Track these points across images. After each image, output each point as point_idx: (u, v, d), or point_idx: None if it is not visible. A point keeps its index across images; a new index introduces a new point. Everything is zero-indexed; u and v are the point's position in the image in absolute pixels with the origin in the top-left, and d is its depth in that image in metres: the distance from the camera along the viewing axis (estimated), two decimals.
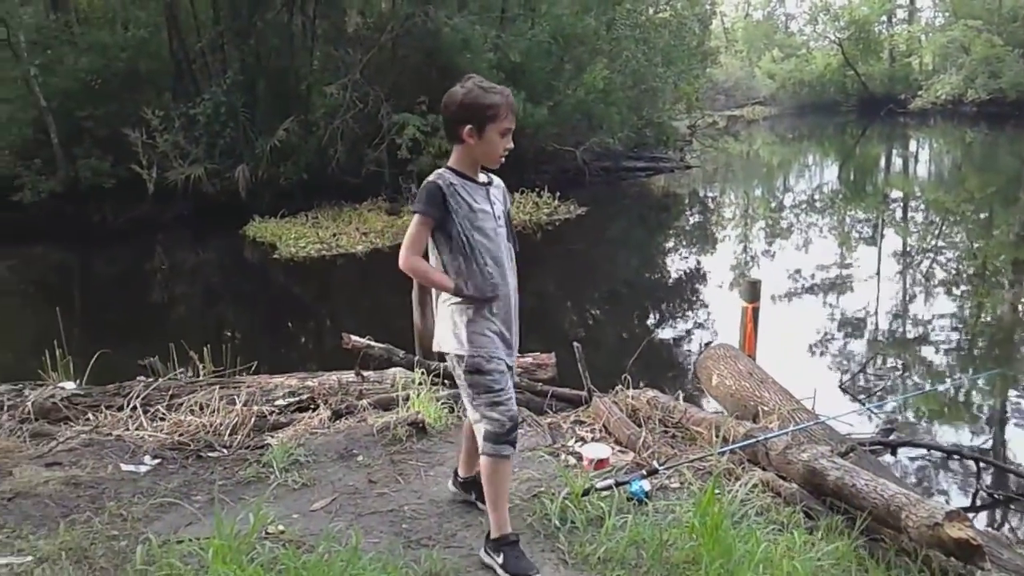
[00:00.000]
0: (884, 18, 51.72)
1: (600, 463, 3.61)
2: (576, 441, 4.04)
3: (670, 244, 16.21)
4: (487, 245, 2.75)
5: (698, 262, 14.18)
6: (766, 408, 4.49)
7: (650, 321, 10.31)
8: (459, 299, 2.76)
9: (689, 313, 10.63)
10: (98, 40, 16.59)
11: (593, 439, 4.06)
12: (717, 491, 3.07)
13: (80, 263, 14.41)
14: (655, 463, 3.46)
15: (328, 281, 12.27)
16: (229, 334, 9.67)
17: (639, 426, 4.12)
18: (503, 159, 2.79)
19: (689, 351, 8.63)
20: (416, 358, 5.10)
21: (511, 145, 2.77)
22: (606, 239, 15.34)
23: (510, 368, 2.83)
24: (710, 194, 22.97)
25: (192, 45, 17.42)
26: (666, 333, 9.64)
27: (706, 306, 10.79)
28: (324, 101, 16.69)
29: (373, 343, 5.12)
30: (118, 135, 15.41)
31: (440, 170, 2.79)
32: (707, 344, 7.83)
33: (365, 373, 4.96)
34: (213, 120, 15.96)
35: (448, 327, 2.78)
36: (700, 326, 9.74)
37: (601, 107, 19.37)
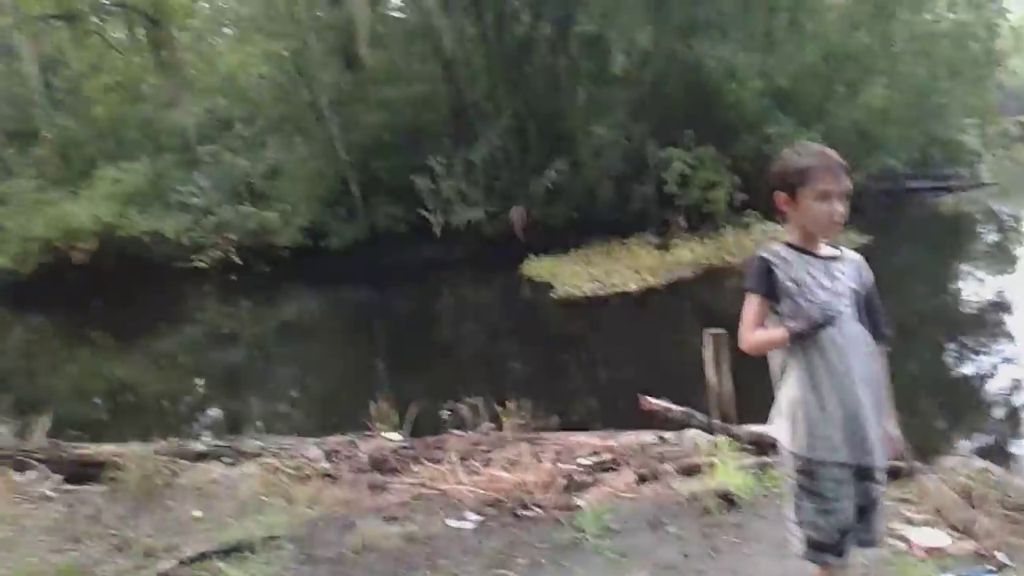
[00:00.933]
0: None
1: (934, 551, 3.41)
2: (903, 523, 3.82)
3: (964, 270, 14.91)
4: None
5: (1000, 290, 12.87)
6: None
7: (948, 359, 9.50)
8: (799, 390, 2.48)
9: (997, 351, 9.62)
10: (386, 97, 18.19)
11: (923, 521, 3.83)
12: None
13: (379, 302, 15.84)
14: (1002, 556, 3.21)
15: (606, 321, 12.47)
16: (517, 375, 10.20)
17: (972, 506, 3.84)
18: (836, 227, 2.48)
19: (1007, 399, 7.81)
20: (715, 422, 5.11)
21: (841, 209, 2.47)
22: (892, 268, 14.34)
23: (864, 470, 2.48)
24: (1007, 212, 20.81)
25: (468, 95, 18.58)
26: (971, 374, 8.80)
27: (1017, 352, 9.70)
28: (591, 140, 17.14)
29: (672, 406, 5.20)
30: (408, 183, 16.79)
31: (774, 243, 2.60)
32: None
33: (664, 435, 5.06)
34: (489, 165, 16.96)
35: (785, 413, 2.53)
36: (1014, 367, 8.78)
37: (879, 127, 18.24)
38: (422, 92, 18.79)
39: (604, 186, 16.78)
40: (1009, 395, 7.81)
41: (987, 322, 11.01)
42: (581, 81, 18.55)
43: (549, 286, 13.72)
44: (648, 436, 5.04)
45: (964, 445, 6.52)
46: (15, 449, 5.68)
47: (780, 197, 2.53)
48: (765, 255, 2.54)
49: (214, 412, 10.18)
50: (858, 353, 2.48)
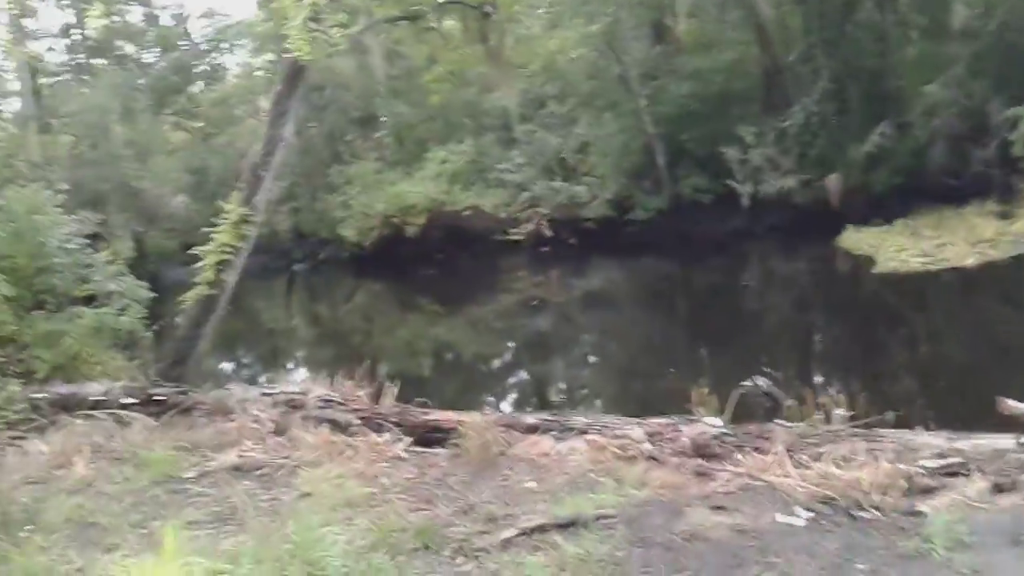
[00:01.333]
0: None
1: None
2: None
3: None
4: None
5: None
6: None
7: None
8: None
9: None
10: (695, 67, 17.89)
11: None
12: None
13: (680, 273, 15.76)
14: None
15: (937, 300, 11.46)
16: (834, 358, 9.71)
17: None
18: None
19: None
20: None
21: None
22: None
23: None
24: None
25: (781, 59, 17.73)
26: None
27: None
28: (922, 100, 15.62)
29: None
30: (714, 153, 16.46)
31: None
32: None
33: None
34: (803, 131, 16.10)
35: None
36: None
37: None
38: (733, 59, 18.29)
39: (936, 149, 15.24)
40: None
41: None
42: (911, 37, 16.97)
43: (870, 260, 12.81)
44: (1006, 441, 4.56)
45: None
46: (372, 411, 6.38)
47: None
48: None
49: (522, 376, 10.82)
50: None
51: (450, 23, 18.30)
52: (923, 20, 17.14)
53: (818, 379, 8.34)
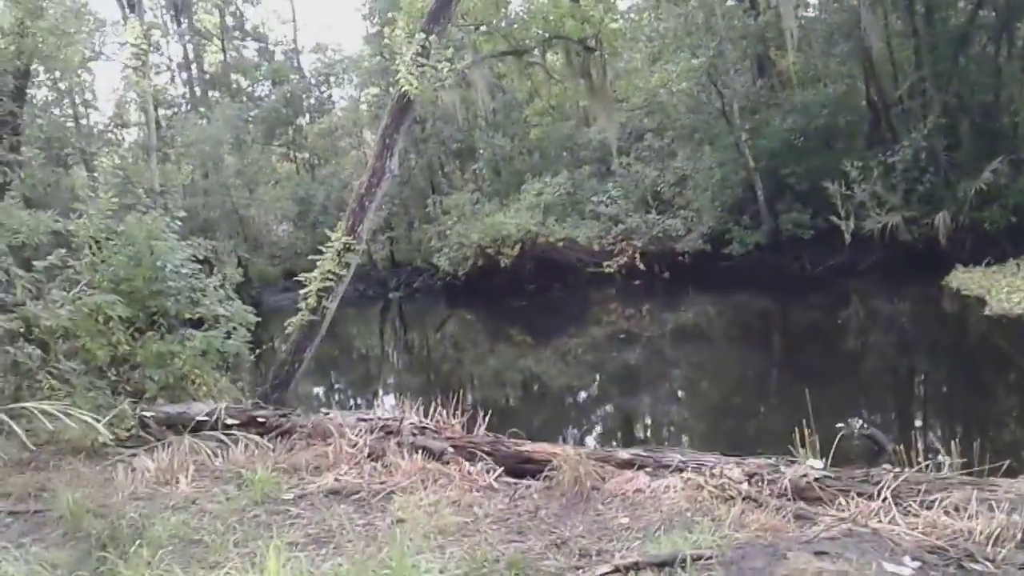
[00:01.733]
0: None
1: None
2: None
3: None
4: None
5: None
6: None
7: None
8: None
9: None
10: (800, 100, 17.61)
11: None
12: None
13: (779, 309, 15.39)
14: None
15: None
16: (940, 402, 9.34)
17: None
18: None
19: None
20: None
21: None
22: None
23: None
24: None
25: (890, 93, 17.30)
26: None
27: None
28: None
29: None
30: (817, 188, 16.11)
31: None
32: None
33: None
34: (912, 166, 15.62)
35: None
36: None
37: None
38: (839, 93, 17.95)
39: None
40: None
41: None
42: None
43: (980, 300, 12.24)
44: None
45: None
46: (465, 440, 6.43)
47: None
48: None
49: (610, 410, 10.70)
50: None
51: (553, 58, 18.65)
52: None
53: (923, 424, 8.03)
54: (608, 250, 17.27)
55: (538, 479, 5.66)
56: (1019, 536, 4.12)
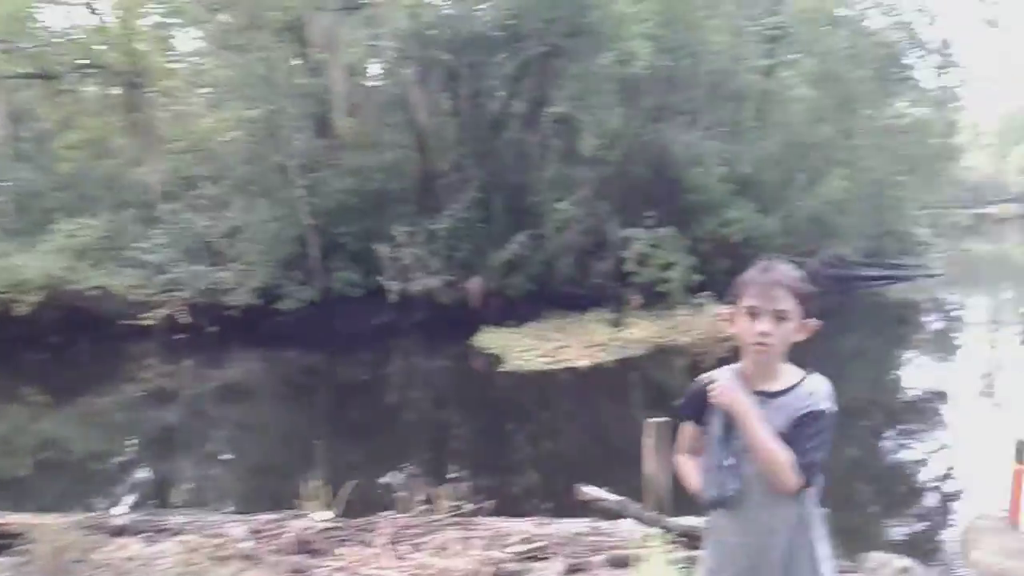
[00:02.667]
0: None
1: None
2: None
3: (908, 357, 15.22)
4: (715, 467, 2.30)
5: (940, 378, 13.06)
6: None
7: (886, 446, 9.54)
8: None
9: (932, 439, 9.72)
10: (357, 164, 18.26)
11: None
12: None
13: (327, 366, 15.55)
14: None
15: (552, 397, 12.41)
16: (459, 449, 10.06)
17: None
18: (759, 348, 2.21)
19: (938, 487, 7.87)
20: (649, 513, 4.99)
21: (763, 328, 2.19)
22: (839, 352, 14.49)
23: None
24: (954, 301, 21.30)
25: (437, 165, 18.69)
26: (906, 461, 8.92)
27: (941, 435, 9.83)
28: (554, 216, 17.27)
29: (607, 496, 5.09)
30: (368, 249, 16.72)
31: (726, 368, 2.36)
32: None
33: (598, 524, 4.93)
34: (452, 235, 16.98)
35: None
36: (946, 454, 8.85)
37: (835, 216, 18.69)
38: (392, 160, 18.91)
39: (564, 261, 16.89)
40: (940, 483, 7.98)
41: (924, 410, 11.21)
42: (550, 158, 18.82)
43: (499, 358, 13.63)
44: (581, 525, 4.91)
45: (896, 532, 6.70)
46: None
47: (722, 312, 2.36)
48: (702, 380, 2.36)
49: (140, 476, 9.84)
50: (766, 511, 2.23)
51: (94, 89, 17.01)
52: (560, 144, 19.13)
53: (438, 468, 8.54)
54: (149, 301, 15.97)
55: (13, 555, 4.96)
56: (492, 570, 4.48)
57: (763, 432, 2.13)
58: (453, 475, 8.69)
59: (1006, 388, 11.82)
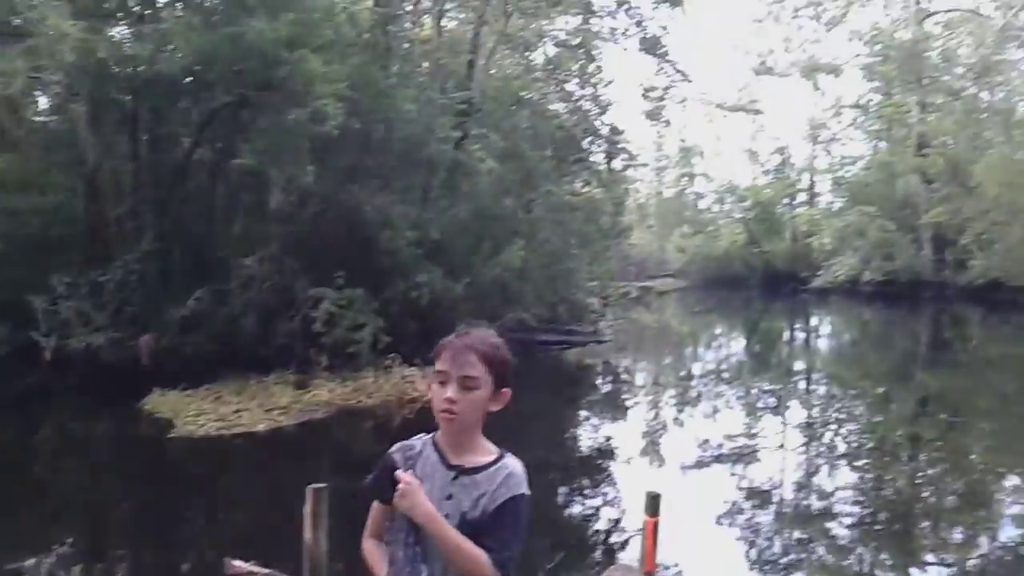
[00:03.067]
0: (786, 200, 55.38)
1: None
2: None
3: (582, 416, 16.44)
4: (401, 553, 2.17)
5: (609, 437, 14.32)
6: None
7: (559, 500, 10.14)
8: None
9: (601, 493, 10.53)
10: (13, 205, 16.35)
11: None
12: None
13: None
14: None
15: (226, 464, 11.66)
16: (117, 522, 9.22)
17: None
18: (444, 417, 2.13)
19: (605, 539, 8.50)
20: None
21: (449, 394, 2.10)
22: (518, 413, 15.24)
23: None
24: (622, 365, 23.51)
25: (110, 211, 17.24)
26: (576, 514, 9.58)
27: (607, 490, 10.73)
28: (240, 272, 16.58)
29: (257, 569, 4.82)
30: (22, 301, 14.91)
31: (423, 436, 2.27)
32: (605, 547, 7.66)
33: None
34: (123, 287, 15.65)
35: None
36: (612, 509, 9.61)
37: (517, 283, 19.83)
38: (56, 204, 17.17)
39: (249, 319, 16.17)
40: (607, 535, 8.67)
41: (595, 466, 12.10)
42: (238, 211, 18.13)
43: (170, 423, 12.67)
44: None
45: None
46: None
47: (428, 383, 2.23)
48: (394, 451, 2.23)
49: None
50: None
51: None
52: (249, 199, 18.53)
53: (94, 543, 7.72)
54: None
55: None
56: None
57: (452, 538, 2.02)
58: (110, 553, 7.95)
59: (661, 445, 13.21)
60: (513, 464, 2.16)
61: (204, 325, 15.82)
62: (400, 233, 16.98)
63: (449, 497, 2.09)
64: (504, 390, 2.18)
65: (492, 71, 24.55)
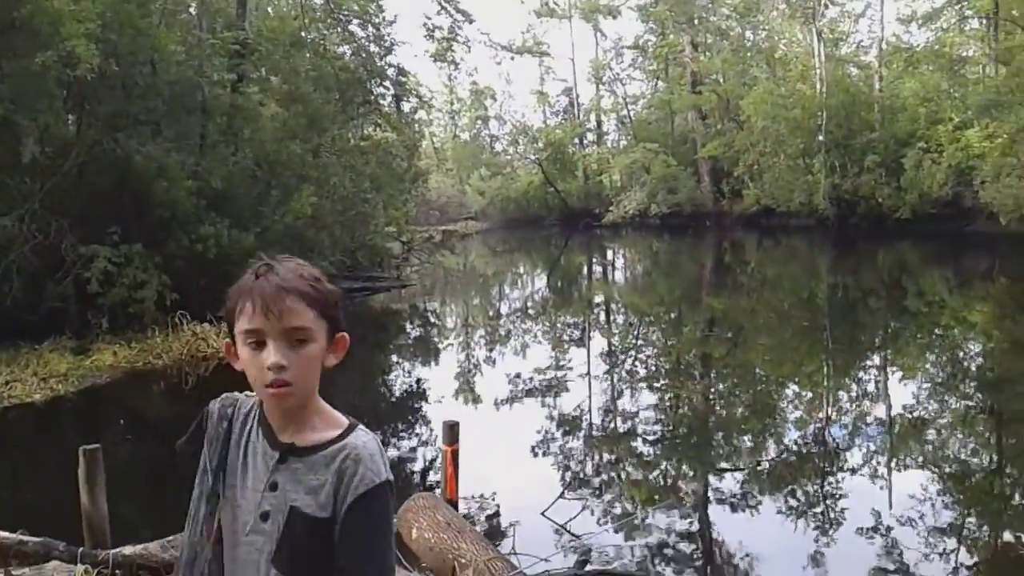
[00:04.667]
0: (576, 140, 57.18)
1: None
2: None
3: (393, 361, 16.40)
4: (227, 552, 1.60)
5: (421, 379, 14.44)
6: (463, 560, 4.46)
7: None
8: None
9: (401, 435, 10.62)
10: None
11: None
12: None
13: None
14: None
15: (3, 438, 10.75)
16: None
17: None
18: (278, 393, 1.51)
19: (399, 481, 8.57)
20: (82, 549, 4.51)
21: (274, 359, 1.49)
22: None
23: None
24: (429, 308, 23.72)
25: None
26: (393, 458, 9.56)
27: (419, 429, 10.85)
28: None
29: (26, 537, 4.47)
30: None
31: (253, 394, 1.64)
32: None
33: (17, 573, 4.30)
34: None
35: None
36: (411, 458, 9.70)
37: (312, 231, 19.31)
38: None
39: (13, 284, 14.74)
40: (416, 470, 8.89)
41: (406, 407, 12.22)
42: None
43: None
44: None
45: None
46: None
47: (227, 346, 1.62)
48: (214, 404, 1.68)
49: None
50: None
51: None
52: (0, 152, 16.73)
53: None
54: None
55: None
56: None
57: None
58: None
59: (472, 382, 13.47)
60: (364, 441, 1.57)
61: None
62: (178, 184, 15.96)
63: (274, 487, 1.54)
64: (340, 334, 1.61)
65: (269, 9, 23.44)
